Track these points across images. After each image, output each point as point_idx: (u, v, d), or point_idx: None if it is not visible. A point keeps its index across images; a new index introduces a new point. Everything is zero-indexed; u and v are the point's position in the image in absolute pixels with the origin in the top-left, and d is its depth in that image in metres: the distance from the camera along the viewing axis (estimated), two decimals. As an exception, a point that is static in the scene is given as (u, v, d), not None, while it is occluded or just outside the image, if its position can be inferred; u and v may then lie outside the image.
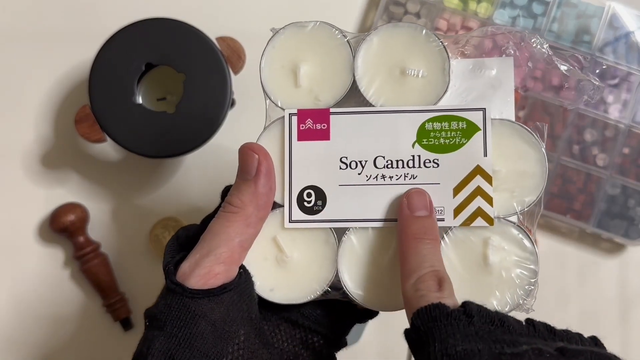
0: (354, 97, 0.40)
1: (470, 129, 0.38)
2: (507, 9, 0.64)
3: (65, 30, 0.66)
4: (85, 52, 0.63)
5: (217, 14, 0.67)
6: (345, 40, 0.40)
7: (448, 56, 0.39)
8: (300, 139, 0.39)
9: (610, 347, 0.69)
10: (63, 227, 0.62)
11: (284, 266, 0.40)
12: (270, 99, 0.40)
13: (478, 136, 0.38)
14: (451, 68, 0.39)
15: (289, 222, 0.39)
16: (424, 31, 0.39)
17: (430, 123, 0.39)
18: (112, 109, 0.58)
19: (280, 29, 0.41)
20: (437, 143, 0.39)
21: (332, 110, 0.39)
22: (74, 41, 0.66)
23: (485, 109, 0.39)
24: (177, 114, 0.58)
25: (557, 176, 0.64)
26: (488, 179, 0.38)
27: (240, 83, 0.64)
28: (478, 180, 0.38)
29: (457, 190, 0.39)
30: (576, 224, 0.64)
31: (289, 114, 0.40)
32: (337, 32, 0.40)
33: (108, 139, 0.59)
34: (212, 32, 0.59)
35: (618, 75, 0.64)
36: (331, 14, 0.67)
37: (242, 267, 0.39)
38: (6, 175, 0.65)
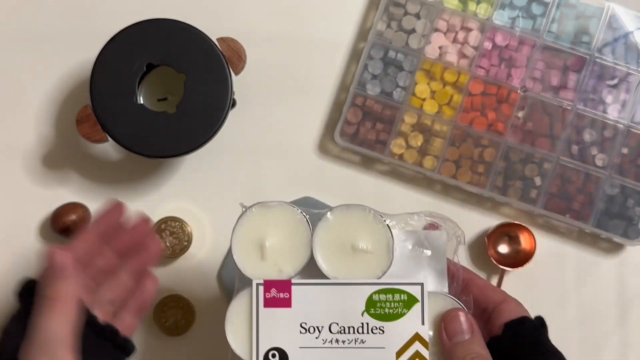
0: (312, 268, 0.45)
1: (410, 301, 0.45)
2: (507, 9, 0.65)
3: (67, 31, 0.67)
4: (86, 53, 0.64)
5: (218, 15, 0.67)
6: (305, 219, 0.46)
7: (392, 236, 0.45)
8: (266, 305, 0.45)
9: (609, 346, 0.70)
10: (64, 227, 0.62)
11: None
12: (241, 271, 0.46)
13: (417, 307, 0.44)
14: (395, 243, 0.45)
15: None
16: (372, 213, 0.45)
17: (377, 295, 0.45)
18: (113, 109, 0.58)
19: (248, 207, 0.46)
20: (382, 312, 0.45)
21: (293, 281, 0.45)
22: (76, 41, 0.66)
23: (422, 283, 0.45)
24: (177, 114, 0.59)
25: (557, 176, 0.64)
26: (425, 344, 0.44)
27: (241, 83, 0.64)
28: (417, 346, 0.44)
29: (399, 354, 0.44)
30: (575, 223, 0.64)
31: (257, 284, 0.45)
32: (298, 210, 0.46)
33: (109, 139, 0.59)
34: (213, 32, 0.60)
35: (617, 76, 0.64)
36: (331, 14, 0.67)
37: None
38: (7, 175, 0.65)
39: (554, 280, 0.66)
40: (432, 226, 0.64)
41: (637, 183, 0.64)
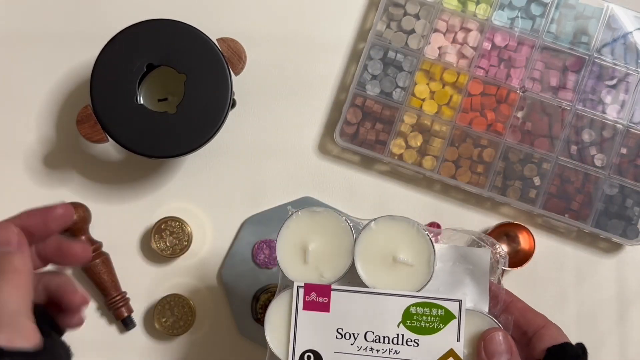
0: (352, 276, 0.46)
1: (447, 316, 0.45)
2: (506, 10, 0.65)
3: (67, 31, 0.67)
4: (87, 53, 0.64)
5: (218, 15, 0.67)
6: (349, 226, 0.46)
7: (434, 250, 0.45)
8: (305, 308, 0.46)
9: (609, 346, 0.70)
10: (65, 226, 0.62)
11: None
12: (283, 272, 0.46)
13: (453, 323, 0.45)
14: (436, 256, 0.45)
15: None
16: (416, 226, 0.45)
17: (414, 307, 0.45)
18: (114, 109, 0.59)
19: (295, 211, 0.47)
20: (418, 325, 0.45)
21: (333, 287, 0.45)
22: (76, 42, 0.66)
23: (461, 300, 0.45)
24: (178, 115, 0.59)
25: (556, 176, 0.64)
26: None
27: (241, 83, 0.64)
28: None
29: None
30: (574, 223, 0.64)
31: (297, 286, 0.46)
32: (343, 218, 0.46)
33: (109, 139, 0.59)
34: (213, 33, 0.60)
35: (616, 76, 0.65)
36: (331, 15, 0.67)
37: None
38: (8, 175, 0.66)
39: (553, 279, 0.67)
40: (432, 226, 0.65)
41: (635, 183, 0.64)
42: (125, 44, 0.59)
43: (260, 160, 0.67)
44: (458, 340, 0.44)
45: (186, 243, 0.64)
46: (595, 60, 0.64)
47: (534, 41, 0.64)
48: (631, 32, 0.65)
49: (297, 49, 0.67)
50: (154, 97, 0.63)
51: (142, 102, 0.61)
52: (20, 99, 0.66)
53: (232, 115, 0.64)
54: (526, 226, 0.65)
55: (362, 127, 0.65)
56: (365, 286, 0.45)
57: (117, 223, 0.66)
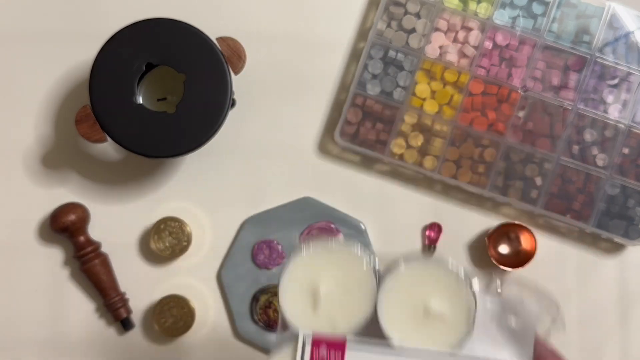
0: (372, 329, 0.37)
1: None
2: (507, 9, 0.64)
3: (66, 31, 0.67)
4: (85, 53, 0.63)
5: (218, 15, 0.67)
6: (372, 268, 0.38)
7: (475, 304, 0.37)
8: None
9: (611, 346, 0.69)
10: (63, 227, 0.62)
11: None
12: (286, 318, 0.38)
13: None
14: (477, 309, 0.37)
15: None
16: (456, 272, 0.38)
17: None
18: (113, 109, 0.58)
19: (306, 245, 0.39)
20: None
21: (348, 340, 0.36)
22: (75, 41, 0.66)
23: None
24: (177, 114, 0.59)
25: (557, 176, 0.64)
26: None
27: (241, 83, 0.64)
28: None
29: None
30: (576, 224, 0.64)
31: (303, 337, 0.36)
32: (364, 258, 0.38)
33: (108, 139, 0.59)
34: (213, 32, 0.59)
35: (618, 76, 0.64)
36: (331, 14, 0.67)
37: None
38: (7, 174, 0.65)
39: (554, 280, 0.66)
40: (432, 226, 0.64)
41: (637, 183, 0.64)
42: (124, 43, 0.59)
43: (260, 160, 0.66)
44: None
45: (185, 243, 0.64)
46: (597, 59, 0.64)
47: (536, 40, 0.64)
48: (633, 32, 0.64)
49: (297, 49, 0.67)
50: (153, 97, 0.63)
51: (141, 102, 0.60)
52: (18, 98, 0.66)
53: (232, 115, 0.64)
54: (527, 226, 0.65)
55: (362, 126, 0.64)
56: (389, 343, 0.37)
57: (116, 223, 0.65)
